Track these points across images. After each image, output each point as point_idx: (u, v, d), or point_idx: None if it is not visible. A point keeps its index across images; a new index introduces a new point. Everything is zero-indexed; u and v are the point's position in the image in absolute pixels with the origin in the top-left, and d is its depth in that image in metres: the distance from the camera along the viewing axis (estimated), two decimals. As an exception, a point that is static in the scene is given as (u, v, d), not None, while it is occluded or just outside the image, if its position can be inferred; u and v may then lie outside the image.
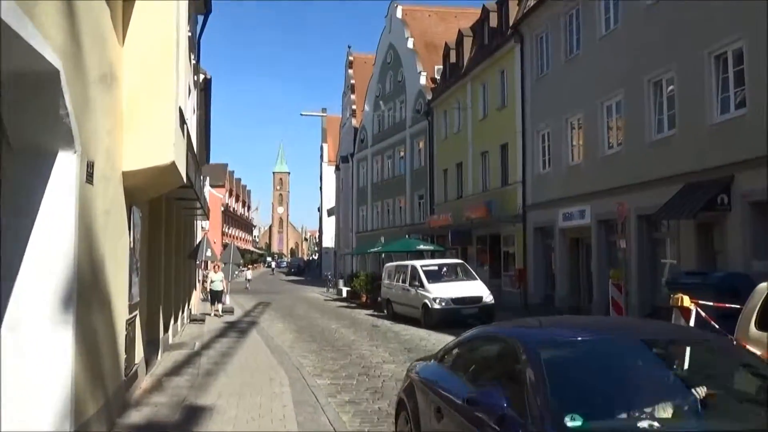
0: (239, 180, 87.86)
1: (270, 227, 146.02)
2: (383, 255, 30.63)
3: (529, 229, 21.68)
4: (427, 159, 32.63)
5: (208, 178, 35.07)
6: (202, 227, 27.61)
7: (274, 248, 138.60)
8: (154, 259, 10.33)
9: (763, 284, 6.31)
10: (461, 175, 28.16)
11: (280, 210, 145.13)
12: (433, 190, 31.59)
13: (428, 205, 32.08)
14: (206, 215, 19.84)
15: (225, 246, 41.69)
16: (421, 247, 25.92)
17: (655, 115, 15.04)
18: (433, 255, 26.73)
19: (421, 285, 17.41)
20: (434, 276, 17.86)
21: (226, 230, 68.32)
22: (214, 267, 21.73)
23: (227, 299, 21.83)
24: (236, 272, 23.59)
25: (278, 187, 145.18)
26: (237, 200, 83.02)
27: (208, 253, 19.55)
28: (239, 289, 36.68)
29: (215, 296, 20.37)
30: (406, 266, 19.07)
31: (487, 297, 16.88)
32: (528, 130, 21.79)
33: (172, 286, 12.67)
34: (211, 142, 25.81)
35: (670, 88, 14.50)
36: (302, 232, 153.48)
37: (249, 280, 44.15)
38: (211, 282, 20.64)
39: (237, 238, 75.39)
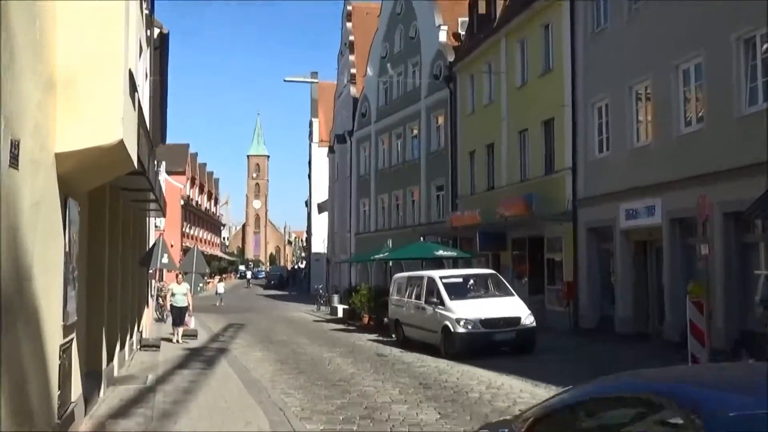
0: (204, 165, 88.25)
1: (244, 226, 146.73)
2: (391, 263, 30.65)
3: (581, 231, 21.65)
4: (448, 139, 32.63)
5: (164, 163, 35.17)
6: (157, 226, 27.75)
7: (249, 254, 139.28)
8: (95, 266, 10.35)
9: None
10: (492, 159, 28.13)
11: (257, 204, 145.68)
12: (455, 180, 31.60)
13: (449, 199, 32.10)
14: (162, 210, 19.90)
15: (186, 250, 42.05)
16: (441, 253, 25.91)
17: (746, 83, 14.96)
18: (456, 263, 26.76)
19: (441, 302, 17.40)
20: (458, 291, 17.86)
21: (187, 230, 68.65)
22: (177, 277, 21.73)
23: (192, 320, 21.90)
24: (200, 284, 23.63)
25: (254, 175, 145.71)
26: (201, 191, 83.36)
27: (164, 260, 19.58)
28: (206, 306, 36.81)
29: (178, 314, 20.27)
30: (422, 278, 19.09)
31: (527, 318, 16.86)
32: (580, 102, 21.75)
33: (118, 302, 12.70)
34: (168, 115, 25.89)
35: (766, 46, 14.42)
36: (285, 233, 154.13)
37: (221, 294, 44.32)
38: (172, 295, 20.63)
39: (201, 240, 75.76)
